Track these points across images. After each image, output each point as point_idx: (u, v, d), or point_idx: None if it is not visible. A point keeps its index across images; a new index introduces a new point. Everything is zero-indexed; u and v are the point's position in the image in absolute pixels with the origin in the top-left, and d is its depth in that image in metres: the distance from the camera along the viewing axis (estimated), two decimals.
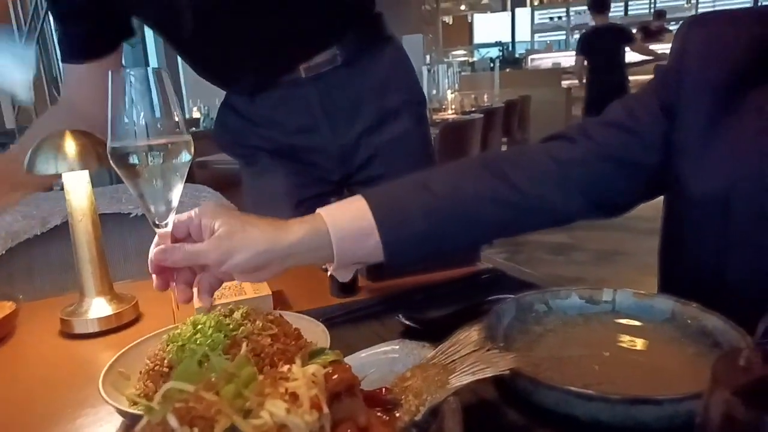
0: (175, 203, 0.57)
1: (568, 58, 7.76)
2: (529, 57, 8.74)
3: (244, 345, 0.38)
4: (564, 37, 10.64)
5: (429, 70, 5.57)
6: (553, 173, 0.64)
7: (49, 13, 1.10)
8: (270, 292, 0.72)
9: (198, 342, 0.48)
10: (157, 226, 0.56)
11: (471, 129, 2.61)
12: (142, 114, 0.53)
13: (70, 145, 0.66)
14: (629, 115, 0.66)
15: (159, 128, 0.54)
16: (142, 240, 1.22)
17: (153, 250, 0.56)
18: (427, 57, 6.75)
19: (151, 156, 0.54)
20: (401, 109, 1.00)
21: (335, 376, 0.35)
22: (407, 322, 0.60)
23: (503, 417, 0.46)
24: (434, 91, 5.73)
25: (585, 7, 9.34)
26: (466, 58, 10.01)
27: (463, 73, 7.20)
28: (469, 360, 0.43)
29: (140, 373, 0.50)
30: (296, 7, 0.91)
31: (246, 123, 1.05)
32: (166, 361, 0.47)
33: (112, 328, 0.69)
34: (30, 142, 0.70)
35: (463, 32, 11.93)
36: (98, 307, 0.69)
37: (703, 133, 0.61)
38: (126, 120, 0.53)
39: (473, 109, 5.04)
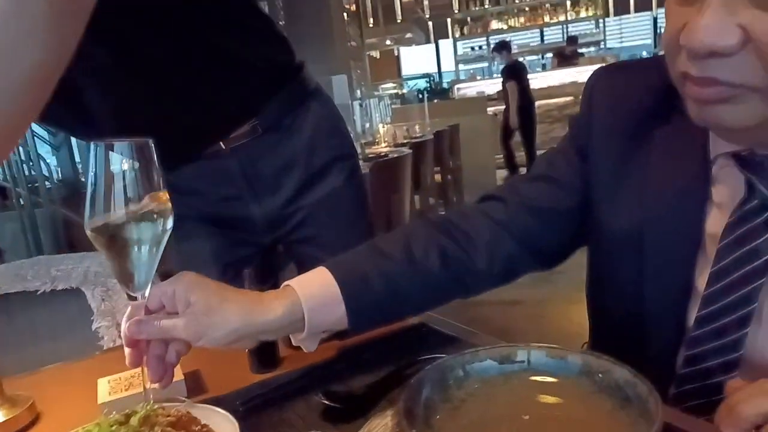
0: (153, 273, 0.57)
1: (491, 86, 8.09)
2: (456, 86, 9.04)
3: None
4: (486, 65, 11.09)
5: (361, 105, 5.65)
6: (491, 232, 0.68)
7: None
8: (182, 377, 0.67)
9: None
10: (133, 298, 0.56)
11: (402, 163, 2.64)
12: (124, 186, 0.52)
13: None
14: (550, 165, 0.72)
15: (141, 199, 0.54)
16: (53, 319, 1.13)
17: (126, 323, 0.55)
18: (358, 91, 6.85)
19: (135, 228, 0.53)
20: (330, 165, 0.99)
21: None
22: (327, 402, 0.58)
23: None
24: (367, 125, 5.80)
25: (503, 35, 9.85)
26: (395, 91, 10.24)
27: (394, 106, 7.33)
28: None
29: None
30: (213, 84, 0.89)
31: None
32: None
33: None
34: None
35: (391, 65, 12.22)
36: None
37: (615, 173, 0.66)
38: (106, 193, 0.52)
39: (405, 141, 5.13)
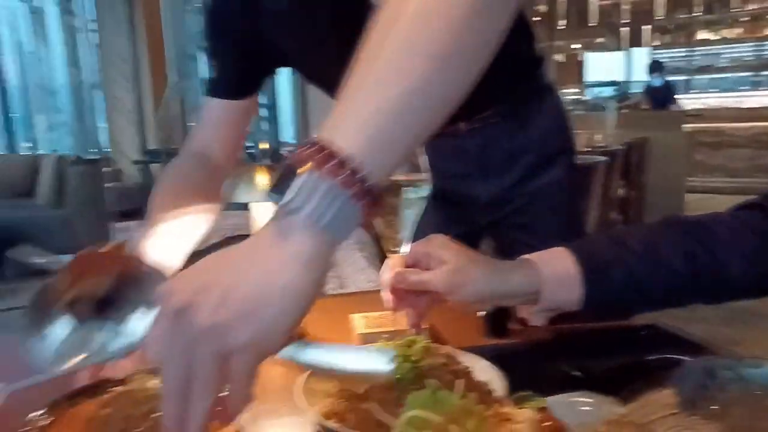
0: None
1: (688, 101, 7.34)
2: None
3: (460, 382, 0.40)
4: (686, 77, 10.06)
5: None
6: (750, 242, 0.65)
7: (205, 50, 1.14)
8: (427, 326, 0.75)
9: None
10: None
11: (595, 171, 2.54)
12: None
13: (262, 179, 0.74)
14: None
15: None
16: None
17: (388, 273, 0.65)
18: None
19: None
20: (555, 157, 1.02)
21: (549, 422, 0.37)
22: (574, 372, 0.60)
23: None
24: None
25: (712, 47, 8.84)
26: (577, 97, 9.75)
27: (575, 112, 7.02)
28: (668, 423, 0.43)
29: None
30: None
31: None
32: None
33: None
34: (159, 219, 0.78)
35: (573, 71, 11.67)
36: None
37: None
38: None
39: (587, 149, 4.88)
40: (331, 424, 0.46)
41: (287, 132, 3.81)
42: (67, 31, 4.81)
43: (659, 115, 6.60)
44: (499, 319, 0.76)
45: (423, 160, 0.82)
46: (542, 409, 0.39)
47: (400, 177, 0.70)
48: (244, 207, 0.89)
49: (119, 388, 0.52)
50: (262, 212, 0.76)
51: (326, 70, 0.98)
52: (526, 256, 0.66)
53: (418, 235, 1.14)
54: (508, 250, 1.08)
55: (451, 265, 0.62)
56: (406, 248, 0.68)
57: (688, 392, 0.52)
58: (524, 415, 0.36)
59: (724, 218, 0.71)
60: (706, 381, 0.55)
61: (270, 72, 1.04)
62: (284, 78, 3.19)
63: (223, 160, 0.96)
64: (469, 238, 1.13)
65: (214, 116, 0.99)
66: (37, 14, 4.80)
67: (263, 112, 3.31)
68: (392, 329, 0.73)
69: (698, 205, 6.05)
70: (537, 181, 1.03)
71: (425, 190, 0.68)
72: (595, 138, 5.53)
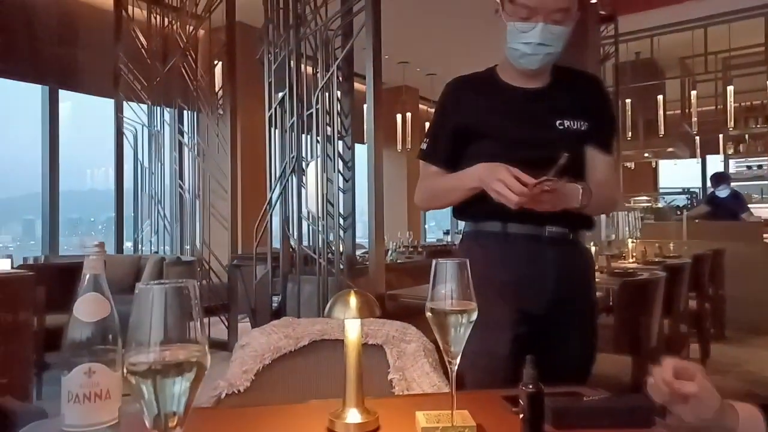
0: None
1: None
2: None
3: None
4: (766, 184, 9.80)
5: (608, 216, 5.59)
6: None
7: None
8: (475, 424, 0.93)
9: None
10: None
11: (654, 286, 2.63)
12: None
13: (353, 300, 0.99)
14: None
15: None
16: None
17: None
18: None
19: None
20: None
21: None
22: None
23: None
24: (613, 236, 5.67)
25: None
26: (649, 204, 9.70)
27: (646, 221, 7.01)
28: None
29: None
30: None
31: None
32: None
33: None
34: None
35: (646, 177, 11.67)
36: (354, 415, 0.97)
37: None
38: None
39: (656, 259, 4.88)
40: None
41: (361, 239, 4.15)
42: (176, 148, 5.57)
43: (735, 224, 6.47)
44: (536, 422, 0.93)
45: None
46: None
47: (454, 305, 0.91)
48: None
49: None
50: (352, 328, 0.99)
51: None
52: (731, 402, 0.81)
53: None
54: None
55: (706, 385, 0.78)
56: (458, 359, 0.90)
57: None
58: None
59: None
60: None
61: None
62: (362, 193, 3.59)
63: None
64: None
65: (431, 172, 1.65)
66: (154, 136, 5.63)
67: (341, 221, 3.67)
68: (448, 425, 0.92)
69: None
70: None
71: (473, 316, 0.90)
72: (669, 248, 5.50)
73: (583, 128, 1.52)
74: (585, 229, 1.60)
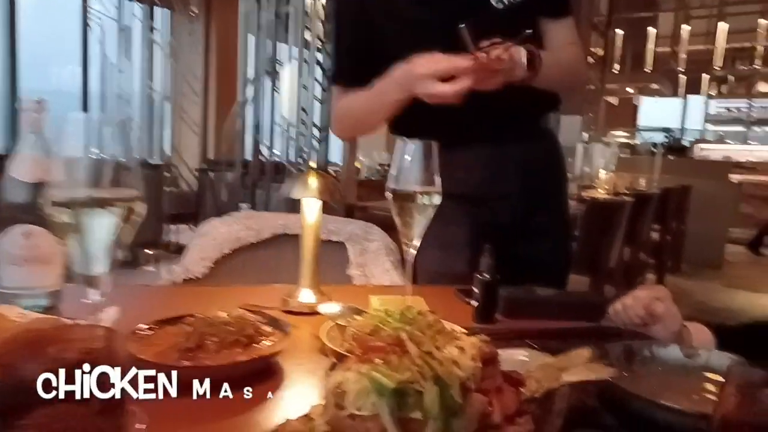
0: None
1: (743, 153, 7.26)
2: (698, 146, 8.29)
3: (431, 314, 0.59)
4: (742, 129, 9.91)
5: (585, 149, 5.60)
6: None
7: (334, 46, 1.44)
8: (428, 309, 0.93)
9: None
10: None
11: (619, 212, 2.66)
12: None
13: (313, 181, 0.96)
14: None
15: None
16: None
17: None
18: (585, 135, 6.76)
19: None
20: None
21: (486, 351, 0.56)
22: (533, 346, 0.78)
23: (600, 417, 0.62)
24: (587, 169, 5.71)
25: None
26: (627, 141, 9.75)
27: (622, 155, 7.05)
28: (580, 367, 0.60)
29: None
30: None
31: None
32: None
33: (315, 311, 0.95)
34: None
35: (627, 114, 11.65)
36: (308, 295, 0.96)
37: None
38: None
39: (626, 191, 4.95)
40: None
41: (335, 153, 4.08)
42: (147, 47, 5.28)
43: (705, 163, 6.57)
44: (489, 309, 0.94)
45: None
46: (485, 342, 0.57)
47: (416, 188, 0.88)
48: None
49: (199, 315, 0.72)
50: (310, 208, 0.96)
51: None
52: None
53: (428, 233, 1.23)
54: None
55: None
56: (416, 242, 0.88)
57: (608, 359, 0.69)
58: (470, 339, 0.55)
59: None
60: (625, 355, 0.72)
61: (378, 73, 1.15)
62: None
63: None
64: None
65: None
66: (124, 31, 5.31)
67: (315, 133, 3.59)
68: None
69: (736, 258, 5.95)
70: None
71: (436, 199, 0.86)
72: (640, 182, 5.57)
73: None
74: (549, 109, 1.37)
